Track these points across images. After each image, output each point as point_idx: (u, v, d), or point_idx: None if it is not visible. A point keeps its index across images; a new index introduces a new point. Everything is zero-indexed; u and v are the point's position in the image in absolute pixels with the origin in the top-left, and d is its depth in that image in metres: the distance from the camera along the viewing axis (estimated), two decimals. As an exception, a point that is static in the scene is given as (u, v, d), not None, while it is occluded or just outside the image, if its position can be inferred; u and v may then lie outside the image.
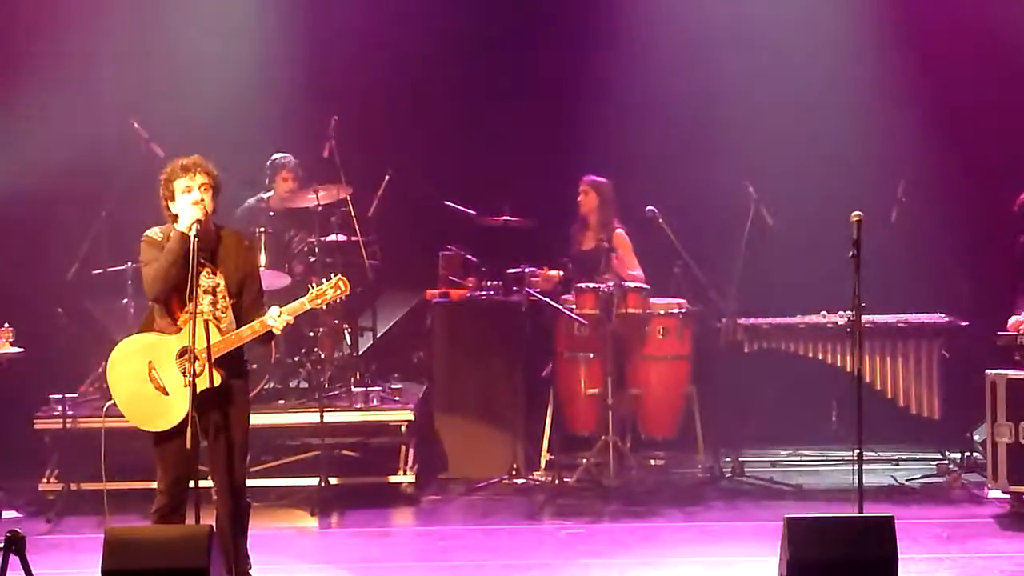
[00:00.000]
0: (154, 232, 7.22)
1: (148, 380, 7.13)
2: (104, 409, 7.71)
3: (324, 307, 7.81)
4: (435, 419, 10.89)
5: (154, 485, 7.23)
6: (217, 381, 7.02)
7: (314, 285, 7.27)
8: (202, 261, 7.09)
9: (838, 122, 11.34)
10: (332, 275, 7.32)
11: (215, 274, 7.13)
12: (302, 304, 7.17)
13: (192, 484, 7.01)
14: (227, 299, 7.12)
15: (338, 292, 7.21)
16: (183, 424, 6.91)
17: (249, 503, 7.28)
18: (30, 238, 11.07)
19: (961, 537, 8.82)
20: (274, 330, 7.11)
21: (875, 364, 10.12)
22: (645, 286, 10.49)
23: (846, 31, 11.43)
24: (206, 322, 7.03)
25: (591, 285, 10.40)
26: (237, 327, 7.11)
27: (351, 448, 10.43)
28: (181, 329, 7.07)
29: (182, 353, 7.03)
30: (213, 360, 7.03)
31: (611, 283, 10.26)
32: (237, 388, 7.18)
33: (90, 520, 9.34)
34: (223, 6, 11.63)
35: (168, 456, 7.10)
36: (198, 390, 6.93)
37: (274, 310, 7.09)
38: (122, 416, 7.37)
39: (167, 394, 7.10)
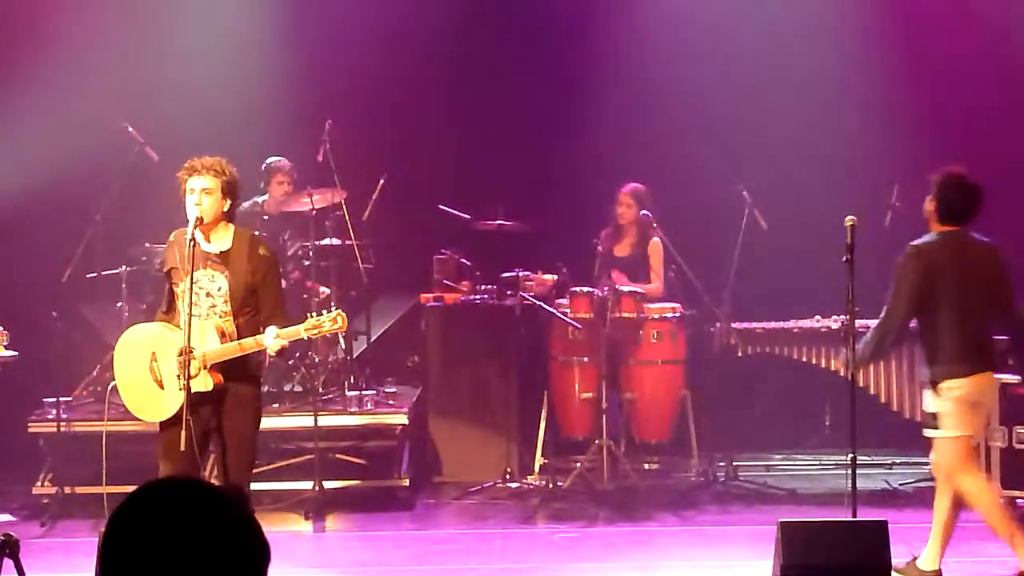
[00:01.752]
0: (171, 237, 7.30)
1: (148, 371, 7.16)
2: (109, 388, 7.72)
3: (320, 338, 7.85)
4: (429, 423, 10.89)
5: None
6: (209, 386, 7.02)
7: (313, 315, 7.26)
8: (210, 262, 7.10)
9: (832, 126, 11.35)
10: (332, 308, 7.31)
11: (216, 278, 7.13)
12: (297, 331, 7.14)
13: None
14: (228, 304, 7.12)
15: (335, 326, 7.18)
16: (176, 422, 6.94)
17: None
18: (24, 241, 11.06)
19: (954, 541, 8.81)
20: (268, 350, 7.11)
21: (868, 368, 10.11)
22: (639, 290, 10.49)
23: (841, 35, 11.43)
24: (200, 325, 7.04)
25: (585, 289, 10.41)
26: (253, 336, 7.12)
27: (345, 452, 10.42)
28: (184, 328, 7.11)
29: (183, 351, 7.05)
30: (212, 366, 7.03)
31: (606, 287, 10.26)
32: (241, 395, 7.15)
33: (84, 523, 9.35)
34: (218, 10, 11.64)
35: (165, 455, 7.09)
36: (192, 392, 6.96)
37: (271, 330, 7.08)
38: (118, 419, 7.42)
39: (163, 388, 7.12)
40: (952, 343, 7.70)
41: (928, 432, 7.83)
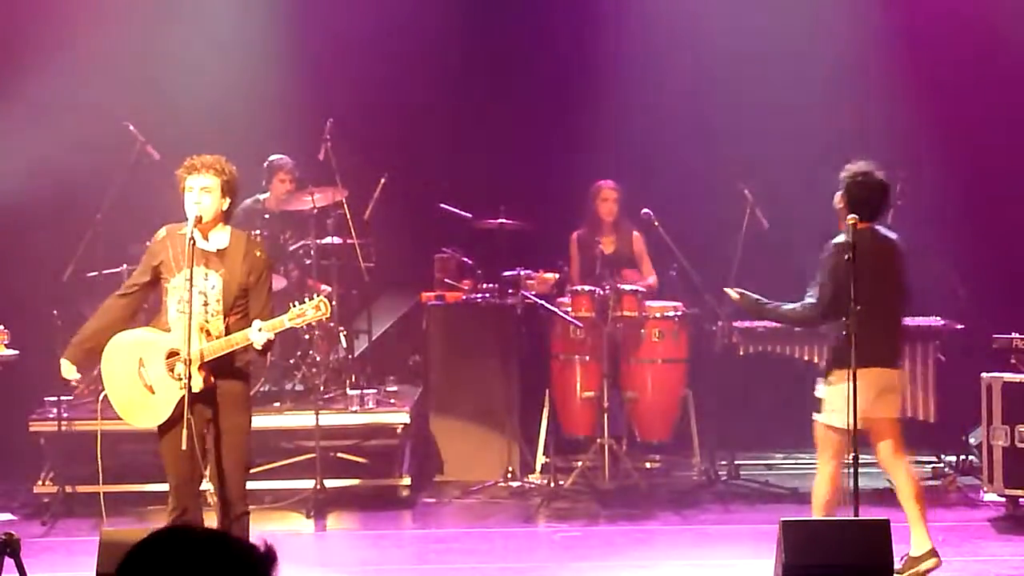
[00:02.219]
0: (160, 233, 7.24)
1: (137, 376, 7.12)
2: (100, 398, 7.69)
3: (304, 327, 7.79)
4: (430, 422, 10.89)
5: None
6: (199, 386, 6.98)
7: (295, 304, 7.19)
8: (206, 260, 7.08)
9: (834, 125, 11.33)
10: (314, 295, 7.26)
11: (211, 276, 7.11)
12: (281, 321, 7.08)
13: (203, 486, 7.04)
14: (220, 303, 7.09)
15: (318, 313, 7.13)
16: (173, 424, 6.92)
17: (246, 511, 7.23)
18: (25, 240, 11.06)
19: (957, 540, 8.84)
20: (254, 344, 7.05)
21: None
22: (641, 288, 10.49)
23: (843, 33, 11.42)
24: (191, 326, 7.02)
25: (587, 288, 10.40)
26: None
27: (346, 451, 10.42)
28: (170, 329, 7.08)
29: (170, 354, 7.02)
30: (201, 365, 6.99)
31: (607, 286, 10.25)
32: (231, 395, 7.11)
33: (85, 522, 9.34)
34: (219, 9, 11.63)
35: (168, 457, 7.07)
36: (183, 393, 6.94)
37: (256, 323, 7.05)
38: (117, 419, 7.40)
39: (153, 392, 7.09)
40: (859, 335, 7.69)
41: (815, 416, 7.99)
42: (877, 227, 8.03)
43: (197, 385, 6.97)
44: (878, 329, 7.84)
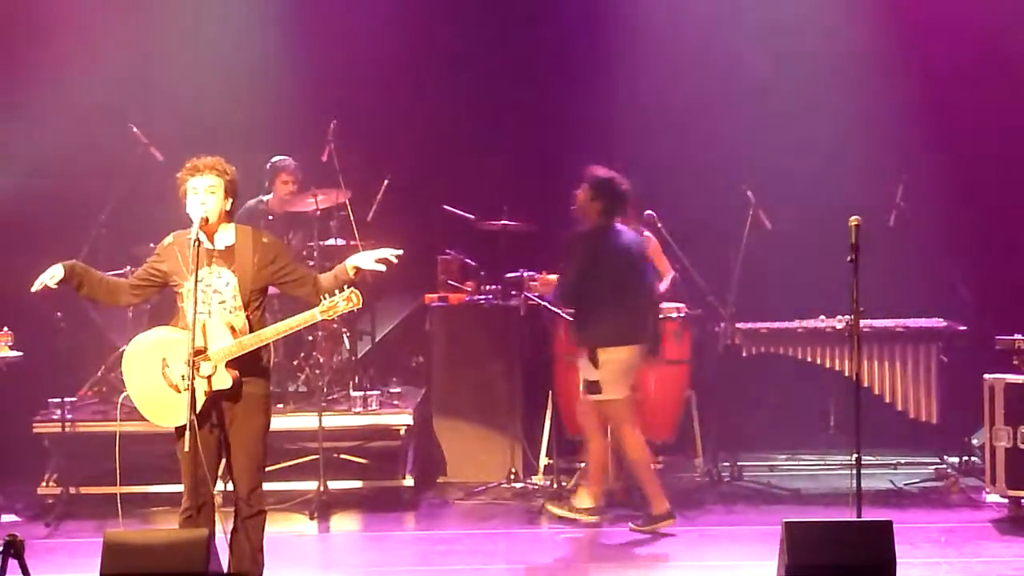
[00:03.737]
0: (167, 240, 7.23)
1: (162, 376, 7.11)
2: (120, 400, 7.65)
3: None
4: (434, 423, 10.90)
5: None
6: (228, 383, 6.98)
7: (326, 297, 7.21)
8: (215, 259, 7.08)
9: (837, 126, 11.34)
10: (344, 287, 7.26)
11: (223, 274, 7.10)
12: (313, 315, 7.11)
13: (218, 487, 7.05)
14: (236, 299, 7.09)
15: (350, 305, 7.14)
16: (199, 423, 6.91)
17: (262, 511, 7.21)
18: (29, 241, 11.06)
19: (959, 541, 8.84)
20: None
21: (873, 368, 10.13)
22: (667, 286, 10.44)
23: (845, 34, 11.43)
24: (208, 323, 7.02)
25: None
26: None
27: (350, 452, 10.43)
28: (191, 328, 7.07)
29: (196, 352, 6.99)
30: (228, 362, 6.99)
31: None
32: (251, 395, 7.09)
33: (89, 524, 9.36)
34: (223, 10, 11.64)
35: (185, 457, 7.06)
36: (213, 390, 6.95)
37: (357, 257, 7.29)
38: (123, 420, 7.38)
39: (179, 391, 7.07)
40: (611, 316, 9.12)
41: (592, 396, 9.24)
42: (618, 224, 9.32)
43: (227, 382, 6.98)
44: (623, 312, 9.12)
